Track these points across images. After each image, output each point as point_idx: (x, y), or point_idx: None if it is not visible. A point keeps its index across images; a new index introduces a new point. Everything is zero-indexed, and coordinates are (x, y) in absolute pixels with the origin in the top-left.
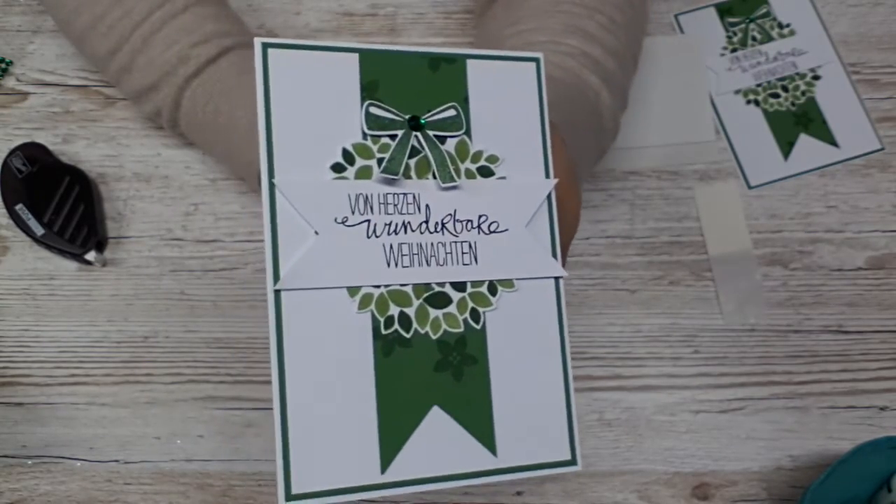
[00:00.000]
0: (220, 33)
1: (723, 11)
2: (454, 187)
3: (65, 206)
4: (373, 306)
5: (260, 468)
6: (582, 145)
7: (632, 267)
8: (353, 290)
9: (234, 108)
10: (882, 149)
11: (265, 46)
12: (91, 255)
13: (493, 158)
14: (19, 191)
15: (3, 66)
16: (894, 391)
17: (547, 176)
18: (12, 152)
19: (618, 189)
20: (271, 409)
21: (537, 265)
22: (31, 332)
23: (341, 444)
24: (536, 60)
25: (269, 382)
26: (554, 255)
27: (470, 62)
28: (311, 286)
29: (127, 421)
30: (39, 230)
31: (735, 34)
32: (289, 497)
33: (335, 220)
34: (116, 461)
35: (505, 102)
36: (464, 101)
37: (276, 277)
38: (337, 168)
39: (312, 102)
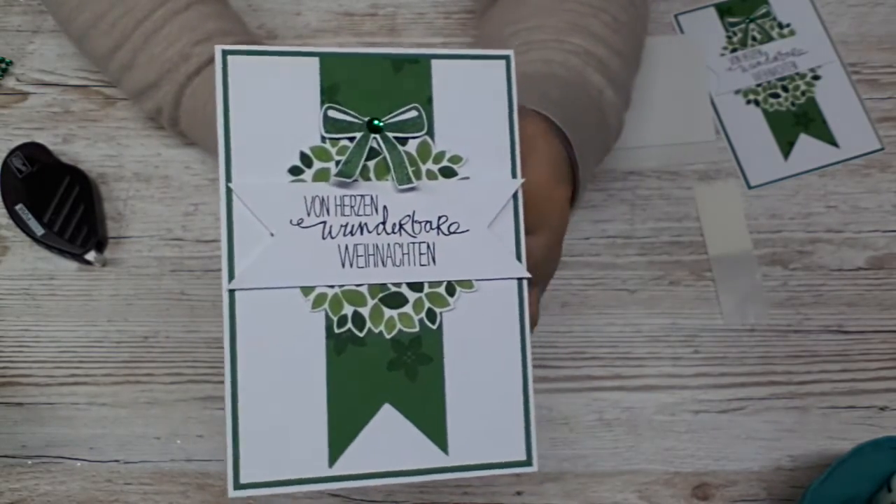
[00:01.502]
0: (221, 32)
1: (723, 11)
2: (412, 189)
3: (65, 206)
4: (326, 306)
5: None
6: (586, 143)
7: (632, 267)
8: (306, 290)
9: None
10: (882, 149)
11: (225, 53)
12: (91, 255)
13: (455, 159)
14: (19, 191)
15: (3, 66)
16: (894, 391)
17: (514, 175)
18: (12, 152)
19: (618, 189)
20: None
21: (498, 266)
22: (31, 332)
23: (290, 437)
24: (506, 58)
25: None
26: (518, 256)
27: (435, 62)
28: (265, 286)
29: (127, 421)
30: (39, 230)
31: (735, 34)
32: (237, 486)
33: (290, 221)
34: (116, 461)
35: (471, 102)
36: (427, 102)
37: (231, 277)
38: (294, 171)
39: (272, 107)
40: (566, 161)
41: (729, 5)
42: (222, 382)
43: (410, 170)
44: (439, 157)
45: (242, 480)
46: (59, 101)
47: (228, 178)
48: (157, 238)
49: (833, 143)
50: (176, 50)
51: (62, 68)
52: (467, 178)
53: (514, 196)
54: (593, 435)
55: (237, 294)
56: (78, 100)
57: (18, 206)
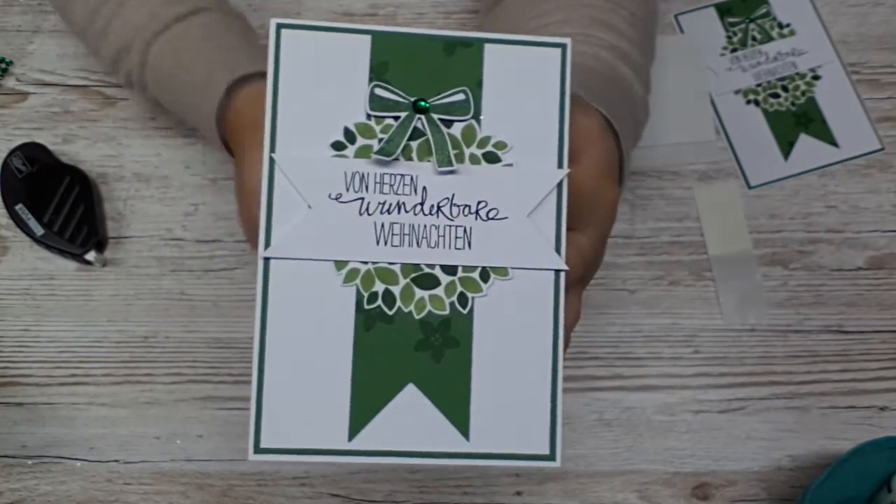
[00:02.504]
0: None
1: (723, 11)
2: (451, 172)
3: (65, 206)
4: (358, 281)
5: (260, 468)
6: (625, 136)
7: (632, 267)
8: (339, 264)
9: (195, 63)
10: (882, 149)
11: (279, 27)
12: (91, 255)
13: (500, 145)
14: (19, 191)
15: (3, 66)
16: (894, 391)
17: (560, 166)
18: (12, 152)
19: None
20: None
21: (535, 256)
22: (31, 332)
23: (313, 407)
24: (563, 46)
25: None
26: (557, 248)
27: (488, 46)
28: (299, 256)
29: (127, 421)
30: (39, 230)
31: (735, 34)
32: (257, 450)
33: (329, 195)
34: (116, 461)
35: (522, 89)
36: (477, 86)
37: (268, 245)
38: (337, 146)
39: (320, 82)
40: (618, 159)
41: (729, 5)
42: (222, 383)
43: (453, 153)
44: (484, 142)
45: (262, 445)
46: (59, 101)
47: (273, 149)
48: (157, 238)
49: (833, 143)
50: (146, 11)
51: (62, 68)
52: (511, 164)
53: (559, 186)
54: (593, 435)
55: (272, 262)
56: (78, 100)
57: (18, 206)
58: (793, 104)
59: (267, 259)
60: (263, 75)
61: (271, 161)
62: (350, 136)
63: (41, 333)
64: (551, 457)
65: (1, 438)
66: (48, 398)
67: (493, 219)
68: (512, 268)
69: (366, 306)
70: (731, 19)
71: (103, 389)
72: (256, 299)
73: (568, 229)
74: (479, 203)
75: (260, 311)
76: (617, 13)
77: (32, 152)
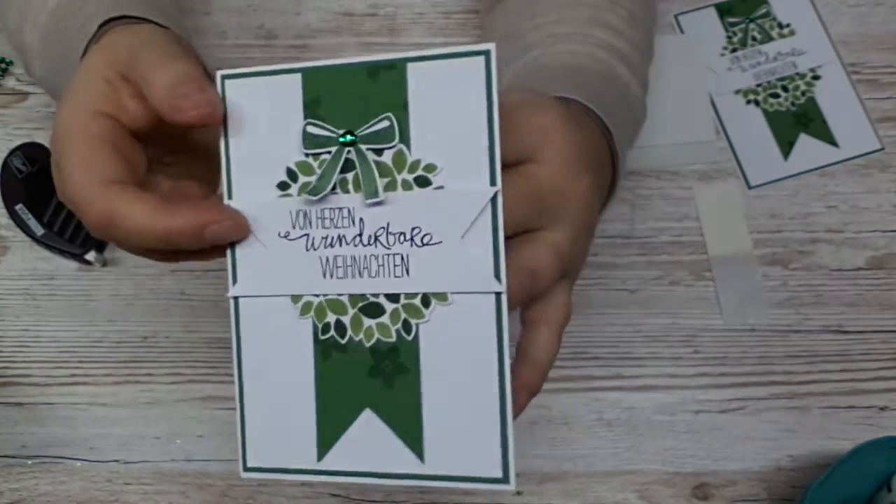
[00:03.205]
0: None
1: (723, 11)
2: (378, 203)
3: (65, 206)
4: (312, 313)
5: None
6: (621, 136)
7: (632, 267)
8: (295, 298)
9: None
10: (882, 149)
11: (224, 78)
12: (91, 255)
13: (430, 167)
14: (19, 191)
15: (3, 66)
16: (894, 391)
17: (492, 183)
18: (12, 152)
19: (617, 189)
20: None
21: (472, 280)
22: (31, 332)
23: (286, 431)
24: (486, 53)
25: None
26: (497, 269)
27: (410, 66)
28: (260, 293)
29: (127, 421)
30: (39, 230)
31: (735, 34)
32: (245, 469)
33: (279, 234)
34: (116, 461)
35: (449, 105)
36: (402, 108)
37: (234, 282)
38: (282, 186)
39: (263, 125)
40: (595, 150)
41: (729, 5)
42: (222, 382)
43: (384, 182)
44: (415, 166)
45: (248, 465)
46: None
47: (230, 197)
48: None
49: (833, 143)
50: None
51: None
52: (441, 187)
53: (493, 204)
54: (593, 435)
55: (240, 300)
56: None
57: (18, 206)
58: (793, 104)
59: (235, 297)
60: (138, 19)
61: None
62: (292, 175)
63: (41, 333)
64: (504, 480)
65: (1, 438)
66: (48, 398)
67: (427, 244)
68: (451, 293)
69: (321, 336)
70: (731, 19)
71: (103, 389)
72: (231, 333)
73: (540, 229)
74: (413, 229)
75: (235, 343)
76: (615, 12)
77: (32, 152)
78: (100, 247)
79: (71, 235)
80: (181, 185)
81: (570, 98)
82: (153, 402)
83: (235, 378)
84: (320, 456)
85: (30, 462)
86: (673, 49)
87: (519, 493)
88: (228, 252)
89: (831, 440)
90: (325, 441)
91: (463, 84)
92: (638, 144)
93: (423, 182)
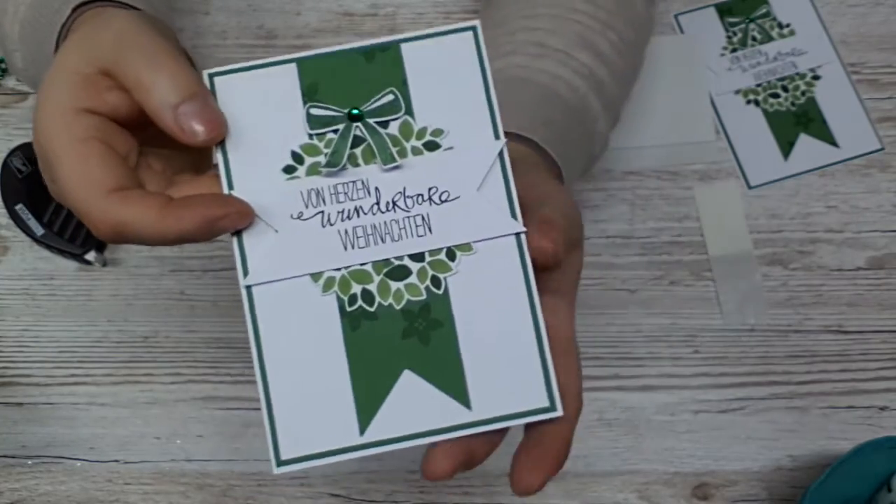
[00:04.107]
0: None
1: (723, 11)
2: (396, 167)
3: (65, 206)
4: (336, 287)
5: (260, 468)
6: (570, 175)
7: (632, 267)
8: (315, 276)
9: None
10: (882, 149)
11: (211, 76)
12: (91, 255)
13: (437, 132)
14: (19, 191)
15: (3, 66)
16: (894, 391)
17: (496, 137)
18: (12, 152)
19: (618, 189)
20: None
21: (493, 225)
22: (31, 332)
23: (321, 413)
24: (473, 28)
25: None
26: (513, 213)
27: (404, 46)
28: (276, 278)
29: (127, 421)
30: (39, 230)
31: (735, 34)
32: (279, 463)
33: (291, 216)
34: (116, 461)
35: (445, 76)
36: (402, 84)
37: (246, 274)
38: (288, 170)
39: (259, 115)
40: (532, 187)
41: (729, 5)
42: (222, 382)
43: (394, 150)
44: (421, 134)
45: (283, 458)
46: None
47: (230, 187)
48: None
49: (833, 143)
50: None
51: None
52: (451, 147)
53: (500, 156)
54: (593, 435)
55: (253, 289)
56: None
57: (18, 206)
58: (793, 104)
59: (248, 287)
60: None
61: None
62: (298, 157)
63: (41, 333)
64: (552, 407)
65: (1, 438)
66: (48, 398)
67: (446, 201)
68: (474, 242)
69: (348, 309)
70: (731, 19)
71: (103, 389)
72: (247, 324)
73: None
74: (430, 189)
75: (253, 334)
76: (604, 35)
77: (32, 152)
78: (100, 247)
79: (71, 235)
80: (171, 159)
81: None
82: (153, 402)
83: (257, 371)
84: (363, 430)
85: (30, 462)
86: (673, 49)
87: None
88: (235, 244)
89: (831, 440)
90: (366, 413)
91: (456, 56)
92: (638, 144)
93: (432, 146)
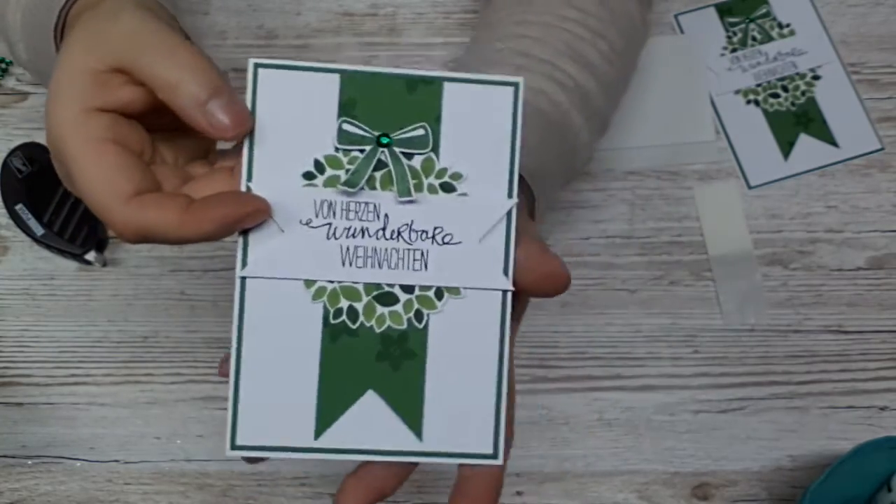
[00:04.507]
0: None
1: (723, 11)
2: (410, 201)
3: (65, 206)
4: (325, 298)
5: (260, 468)
6: (547, 191)
7: (632, 267)
8: (308, 283)
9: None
10: (882, 149)
11: (256, 66)
12: (91, 255)
13: (456, 176)
14: (19, 191)
15: (3, 66)
16: (894, 391)
17: (510, 196)
18: (12, 152)
19: (618, 189)
20: None
21: (485, 277)
22: (31, 332)
23: (283, 410)
24: (515, 85)
25: None
26: (506, 270)
27: (447, 84)
28: (272, 276)
29: (127, 421)
30: (39, 230)
31: (735, 34)
32: (233, 447)
33: (300, 221)
34: (116, 461)
35: (478, 123)
36: (435, 121)
37: (244, 265)
38: (308, 176)
39: (293, 117)
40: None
41: (729, 5)
42: (222, 382)
43: (412, 183)
44: (441, 173)
45: (238, 442)
46: None
47: (249, 178)
48: None
49: (833, 143)
50: None
51: None
52: (465, 194)
53: (508, 214)
54: (593, 435)
55: (247, 281)
56: None
57: (18, 206)
58: (793, 104)
59: (243, 278)
60: None
61: (248, 189)
62: (320, 167)
63: (41, 333)
64: (494, 455)
65: (1, 438)
66: (48, 398)
67: (447, 243)
68: (464, 287)
69: (332, 321)
70: (731, 19)
71: (103, 389)
72: (233, 312)
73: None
74: (435, 229)
75: (237, 322)
76: (595, 46)
77: (32, 152)
78: (100, 247)
79: (71, 235)
80: (181, 145)
81: None
82: (153, 402)
83: (233, 356)
84: (317, 434)
85: (30, 462)
86: (673, 49)
87: (519, 493)
88: (240, 235)
89: (831, 440)
90: (324, 420)
91: (493, 107)
92: (638, 144)
93: (448, 188)
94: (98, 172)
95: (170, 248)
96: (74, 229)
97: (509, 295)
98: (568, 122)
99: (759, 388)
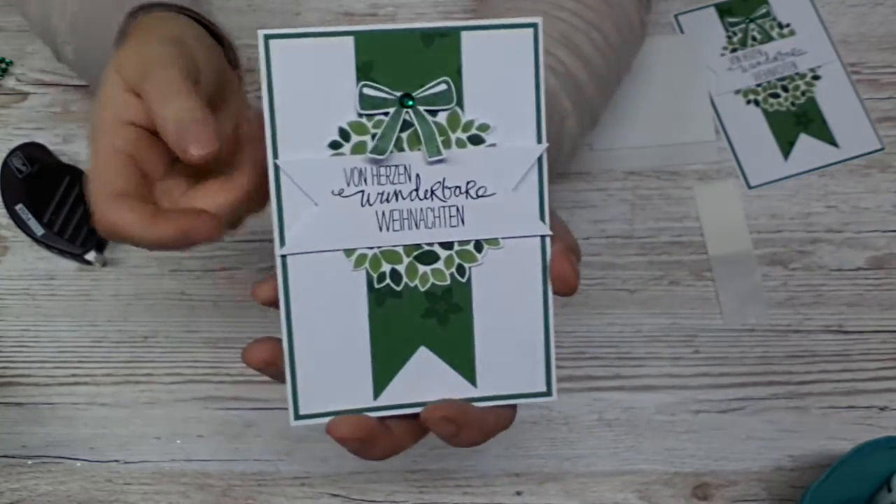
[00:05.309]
0: None
1: (723, 11)
2: (440, 160)
3: (65, 206)
4: (367, 265)
5: (260, 468)
6: None
7: (632, 267)
8: (348, 252)
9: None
10: (882, 149)
11: (267, 38)
12: (91, 255)
13: (483, 127)
14: (19, 191)
15: (3, 66)
16: (894, 391)
17: (539, 141)
18: (12, 152)
19: (618, 189)
20: (271, 409)
21: (522, 226)
22: (31, 332)
23: (340, 376)
24: (534, 26)
25: (269, 383)
26: (542, 216)
27: (464, 34)
28: (312, 250)
29: (127, 421)
30: (39, 230)
31: (735, 34)
32: (297, 417)
33: (332, 192)
34: (116, 461)
35: (499, 71)
36: (457, 73)
37: (283, 243)
38: (334, 145)
39: (312, 86)
40: None
41: (729, 5)
42: (222, 382)
43: (440, 140)
44: (468, 126)
45: (301, 412)
46: (59, 101)
47: (275, 155)
48: None
49: (833, 143)
50: None
51: (62, 68)
52: (494, 144)
53: (539, 161)
54: (593, 435)
55: (288, 258)
56: (78, 100)
57: (18, 206)
58: (793, 104)
59: (283, 256)
60: (164, 5)
61: (275, 167)
62: (345, 134)
63: (41, 333)
64: (548, 392)
65: (1, 438)
66: (48, 398)
67: (482, 196)
68: (502, 238)
69: (376, 285)
70: (731, 19)
71: (103, 389)
72: (279, 292)
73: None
74: (468, 183)
75: (283, 300)
76: (588, 35)
77: (32, 152)
78: (100, 247)
79: (71, 235)
80: (197, 173)
81: None
82: (153, 402)
83: (284, 333)
84: (376, 394)
85: (30, 462)
86: (673, 49)
87: (519, 493)
88: (275, 213)
89: (831, 440)
90: (381, 380)
91: (514, 52)
92: (638, 144)
93: (476, 140)
94: (102, 169)
95: None
96: (74, 229)
97: (548, 240)
98: (555, 105)
99: (759, 388)
